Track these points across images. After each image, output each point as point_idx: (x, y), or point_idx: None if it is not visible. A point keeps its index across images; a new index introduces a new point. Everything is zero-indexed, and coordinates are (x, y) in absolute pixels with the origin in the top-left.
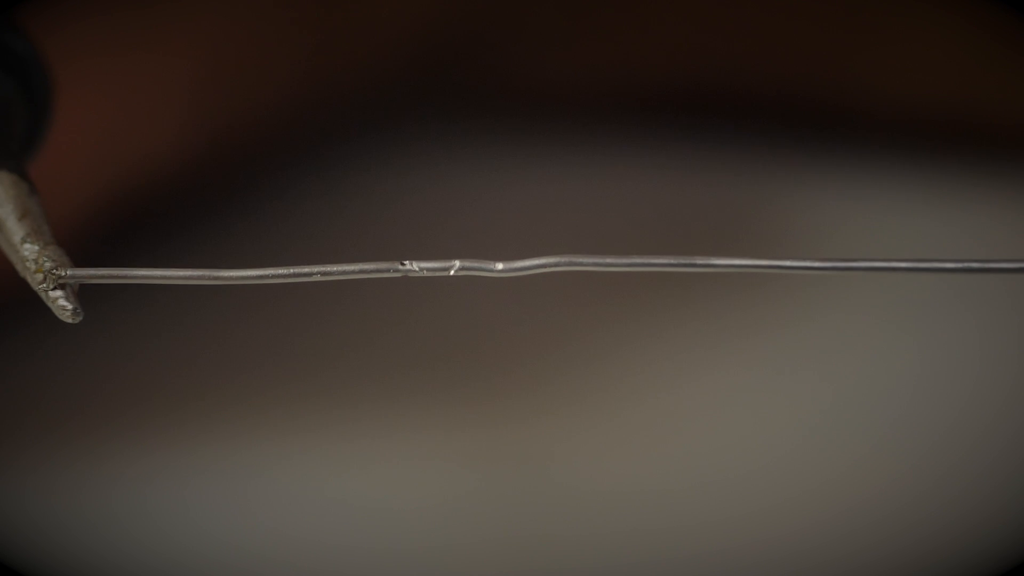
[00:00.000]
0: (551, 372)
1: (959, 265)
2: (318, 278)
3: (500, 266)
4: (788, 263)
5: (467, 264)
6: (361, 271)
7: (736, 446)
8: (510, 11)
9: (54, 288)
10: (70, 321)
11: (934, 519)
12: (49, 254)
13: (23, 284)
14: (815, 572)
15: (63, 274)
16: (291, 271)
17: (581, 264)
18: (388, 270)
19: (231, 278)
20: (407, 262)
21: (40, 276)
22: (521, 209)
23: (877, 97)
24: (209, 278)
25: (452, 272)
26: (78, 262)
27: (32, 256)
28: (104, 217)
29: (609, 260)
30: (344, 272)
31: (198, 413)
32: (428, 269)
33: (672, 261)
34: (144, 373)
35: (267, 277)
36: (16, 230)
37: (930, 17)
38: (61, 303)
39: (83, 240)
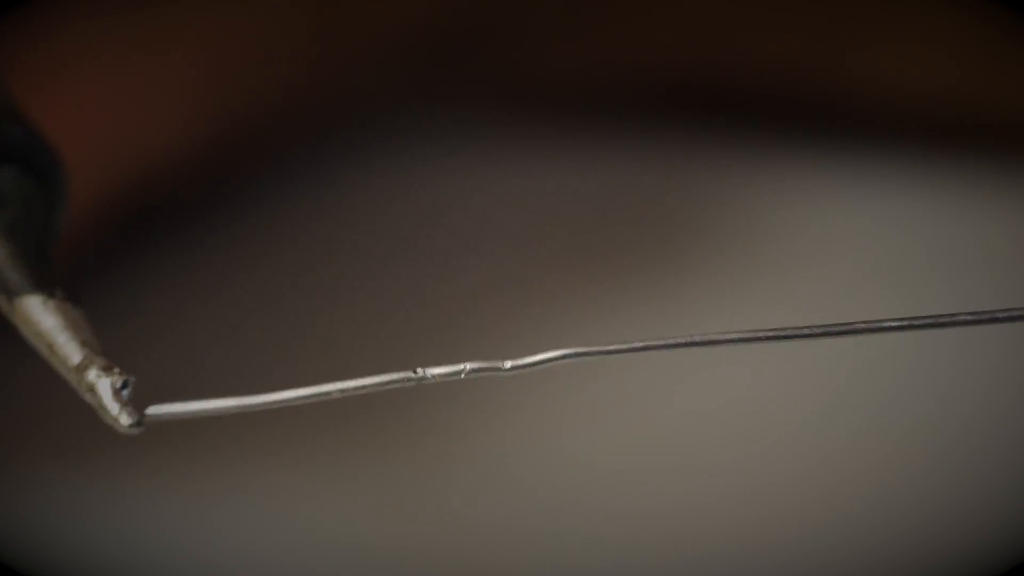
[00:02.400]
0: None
1: (953, 320)
2: (336, 396)
3: (508, 364)
4: (788, 332)
5: (476, 366)
6: (378, 384)
7: (732, 451)
8: (511, 7)
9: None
10: (132, 434)
11: (934, 519)
12: (105, 368)
13: None
14: (814, 572)
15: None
16: (310, 392)
17: (587, 354)
18: (403, 380)
19: (250, 406)
20: (420, 370)
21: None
22: (522, 205)
23: (876, 95)
24: (235, 407)
25: (463, 376)
26: (81, 262)
27: (94, 378)
28: (105, 217)
29: (613, 347)
30: (361, 387)
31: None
32: (441, 376)
33: (673, 341)
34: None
35: (288, 401)
36: (73, 353)
37: (928, 14)
38: (124, 419)
39: (83, 239)
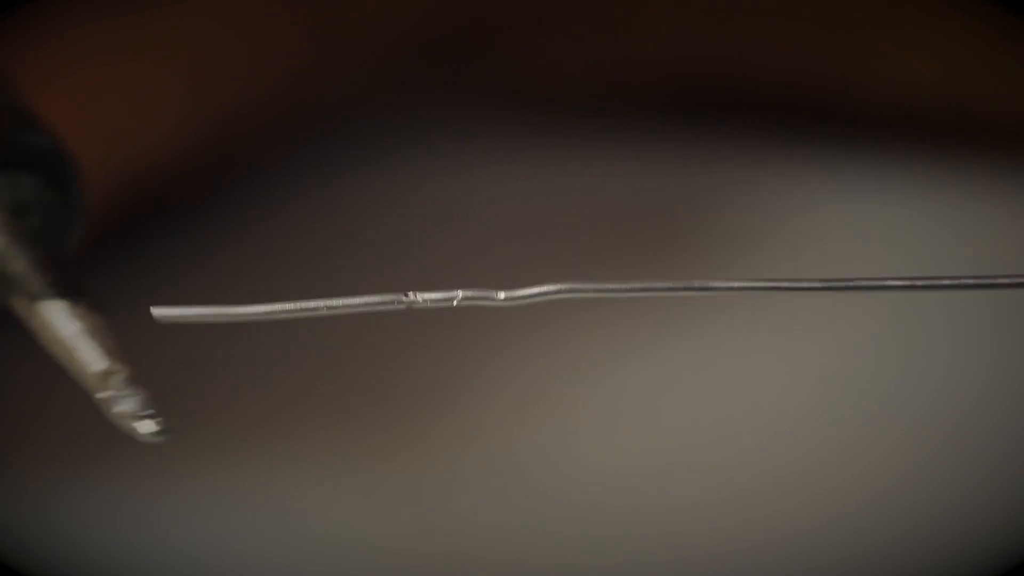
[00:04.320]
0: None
1: (955, 282)
2: (324, 312)
3: (502, 295)
4: (785, 284)
5: (470, 294)
6: (366, 304)
7: (727, 453)
8: (510, 7)
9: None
10: (157, 441)
11: (934, 519)
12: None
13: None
14: (814, 571)
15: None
16: (297, 306)
17: (582, 291)
18: (393, 302)
19: (239, 315)
20: (411, 294)
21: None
22: (521, 203)
23: (876, 95)
24: (215, 316)
25: (455, 303)
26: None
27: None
28: (102, 216)
29: (609, 286)
30: (349, 305)
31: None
32: (431, 300)
33: (671, 285)
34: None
35: (274, 313)
36: (95, 360)
37: (928, 14)
38: (147, 428)
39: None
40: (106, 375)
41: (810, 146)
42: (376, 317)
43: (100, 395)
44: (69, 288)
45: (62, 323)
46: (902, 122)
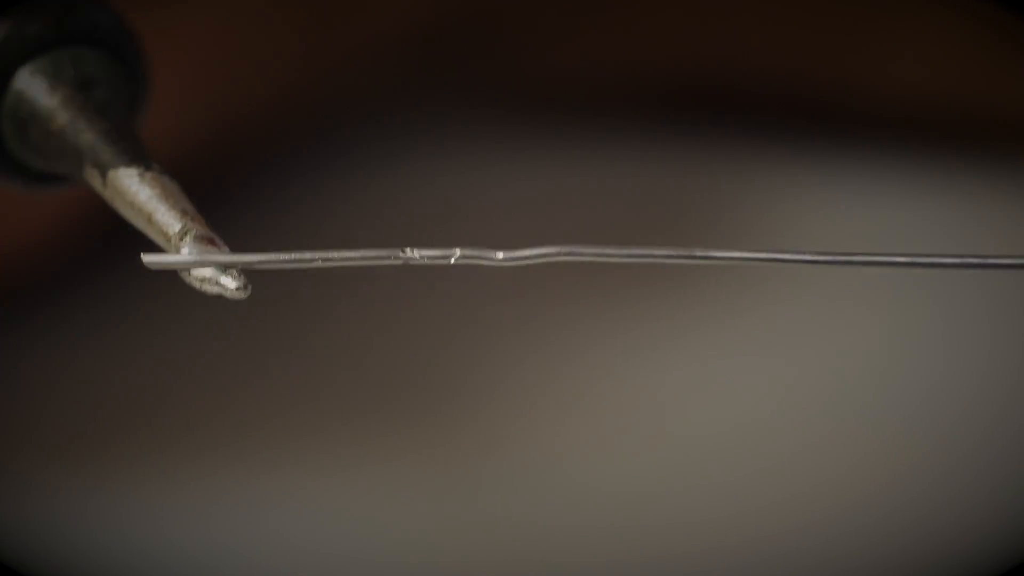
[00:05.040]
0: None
1: (958, 260)
2: (319, 264)
3: (501, 255)
4: (787, 255)
5: (468, 252)
6: (363, 257)
7: (726, 447)
8: (510, 5)
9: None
10: (241, 296)
11: (932, 518)
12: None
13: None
14: (812, 571)
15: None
16: (292, 256)
17: (581, 254)
18: (389, 257)
19: (235, 262)
20: (408, 249)
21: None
22: (522, 203)
23: (875, 94)
24: (203, 261)
25: (453, 260)
26: (74, 262)
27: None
28: (101, 216)
29: (609, 251)
30: (345, 258)
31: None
32: (429, 257)
33: (672, 253)
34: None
35: (270, 262)
36: (173, 221)
37: (929, 15)
38: (229, 283)
39: (79, 239)
40: (184, 234)
41: (810, 146)
42: (393, 314)
43: (177, 256)
44: (139, 155)
45: (138, 189)
46: (902, 122)
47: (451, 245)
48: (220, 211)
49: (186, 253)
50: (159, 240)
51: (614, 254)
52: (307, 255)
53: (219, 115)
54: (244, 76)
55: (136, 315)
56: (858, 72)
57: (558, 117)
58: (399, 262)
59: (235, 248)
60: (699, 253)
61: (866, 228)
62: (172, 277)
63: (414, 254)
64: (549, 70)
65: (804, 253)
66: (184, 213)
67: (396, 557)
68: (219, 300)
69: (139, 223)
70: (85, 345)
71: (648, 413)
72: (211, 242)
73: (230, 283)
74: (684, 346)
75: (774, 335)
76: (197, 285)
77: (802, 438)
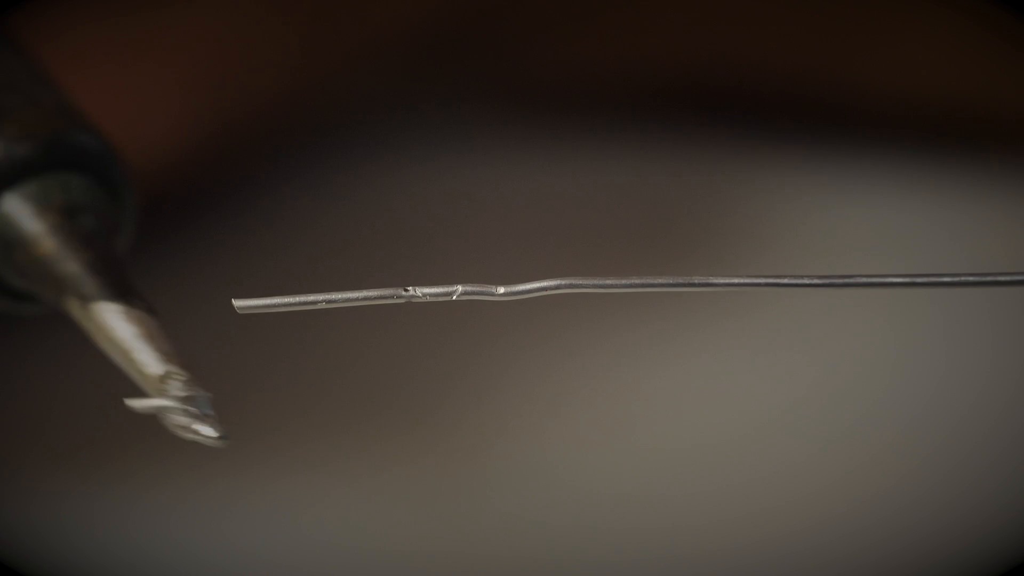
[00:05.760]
0: (529, 384)
1: (956, 279)
2: (323, 306)
3: (501, 290)
4: (786, 280)
5: (469, 289)
6: (365, 298)
7: (730, 452)
8: (510, 5)
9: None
10: (220, 446)
11: (932, 518)
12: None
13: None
14: (813, 571)
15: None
16: (297, 300)
17: (581, 287)
18: (391, 296)
19: (241, 308)
20: (410, 289)
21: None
22: (522, 203)
23: (876, 94)
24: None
25: (455, 297)
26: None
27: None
28: None
29: (608, 282)
30: (348, 299)
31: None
32: (431, 295)
33: (670, 281)
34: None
35: (275, 306)
36: (152, 363)
37: (929, 15)
38: (209, 432)
39: None
40: (165, 379)
41: (811, 146)
42: (392, 317)
43: (159, 400)
44: (124, 290)
45: (118, 325)
46: (902, 122)
47: (452, 245)
48: (219, 211)
49: (169, 397)
50: (136, 378)
51: (613, 285)
52: (311, 298)
53: (219, 115)
54: (244, 76)
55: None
56: (858, 72)
57: (558, 117)
58: (401, 301)
59: (235, 256)
60: (698, 280)
61: (867, 228)
62: (173, 277)
63: (416, 292)
64: (549, 70)
65: (803, 277)
66: (165, 355)
67: (397, 559)
68: (220, 308)
69: (117, 359)
70: (89, 347)
71: (645, 415)
72: (191, 382)
73: (209, 432)
74: (681, 347)
75: (772, 337)
76: (178, 432)
77: (800, 440)
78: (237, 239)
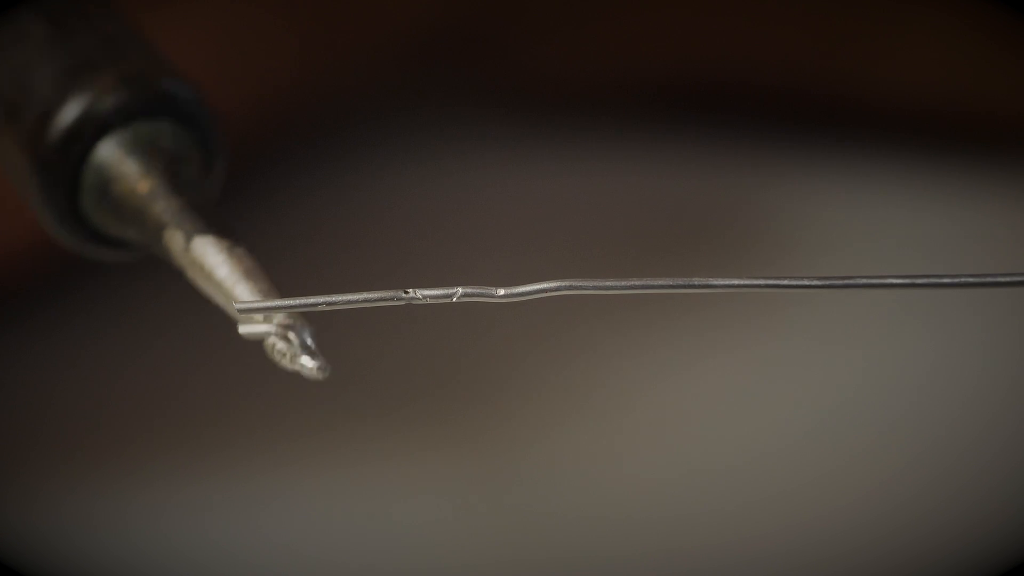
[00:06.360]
0: (540, 383)
1: (956, 280)
2: (323, 308)
3: (501, 292)
4: (786, 282)
5: (469, 291)
6: (365, 300)
7: (730, 452)
8: (511, 5)
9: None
10: (319, 377)
11: (932, 518)
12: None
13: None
14: (813, 571)
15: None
16: (297, 302)
17: (581, 288)
18: (392, 298)
19: (242, 309)
20: (410, 290)
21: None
22: (522, 202)
23: (877, 94)
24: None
25: (455, 299)
26: (72, 263)
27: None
28: None
29: (609, 283)
30: (348, 301)
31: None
32: (431, 297)
33: (671, 283)
34: (140, 391)
35: (274, 308)
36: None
37: (930, 16)
38: (310, 363)
39: None
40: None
41: (812, 146)
42: (392, 318)
43: (266, 326)
44: (226, 231)
45: (218, 262)
46: (903, 123)
47: (451, 245)
48: (219, 210)
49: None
50: (234, 315)
51: (613, 286)
52: (311, 300)
53: (218, 115)
54: (243, 76)
55: (139, 318)
56: (859, 72)
57: (558, 117)
58: (402, 303)
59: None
60: (698, 282)
61: (867, 228)
62: (174, 278)
63: (416, 295)
64: (550, 70)
65: (803, 279)
66: (265, 293)
67: (397, 559)
68: (220, 308)
69: (214, 294)
70: (88, 348)
71: (645, 416)
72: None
73: (310, 363)
74: (681, 348)
75: (774, 338)
76: (280, 361)
77: (800, 440)
78: (238, 237)
